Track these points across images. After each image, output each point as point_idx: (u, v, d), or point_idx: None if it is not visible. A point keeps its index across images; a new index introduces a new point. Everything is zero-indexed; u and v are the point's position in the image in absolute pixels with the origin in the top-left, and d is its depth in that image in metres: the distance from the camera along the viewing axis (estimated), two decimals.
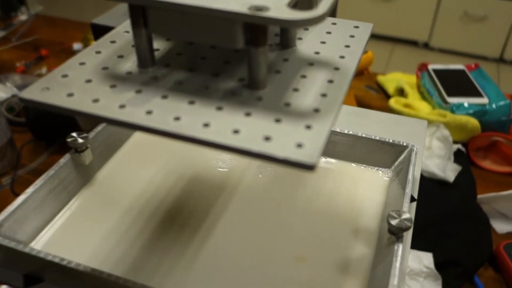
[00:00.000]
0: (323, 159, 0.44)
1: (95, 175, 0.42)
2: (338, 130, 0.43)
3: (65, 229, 0.37)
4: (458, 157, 0.68)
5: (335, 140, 0.43)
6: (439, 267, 0.52)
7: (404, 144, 0.41)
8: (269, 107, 0.24)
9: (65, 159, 0.39)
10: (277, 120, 0.23)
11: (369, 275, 0.33)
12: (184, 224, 0.37)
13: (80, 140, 0.39)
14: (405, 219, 0.32)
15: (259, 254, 0.35)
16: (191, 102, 0.24)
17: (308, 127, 0.22)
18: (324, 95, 0.25)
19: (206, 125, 0.22)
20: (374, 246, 0.35)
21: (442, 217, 0.58)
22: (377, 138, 0.42)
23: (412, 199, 0.39)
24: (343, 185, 0.41)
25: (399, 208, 0.35)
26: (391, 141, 0.42)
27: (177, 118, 0.23)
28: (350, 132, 0.42)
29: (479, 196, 0.62)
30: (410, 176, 0.38)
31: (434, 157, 0.66)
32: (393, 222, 0.32)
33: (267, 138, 0.21)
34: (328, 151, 0.44)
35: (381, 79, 0.87)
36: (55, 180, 0.37)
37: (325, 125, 0.22)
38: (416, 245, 0.54)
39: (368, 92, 0.85)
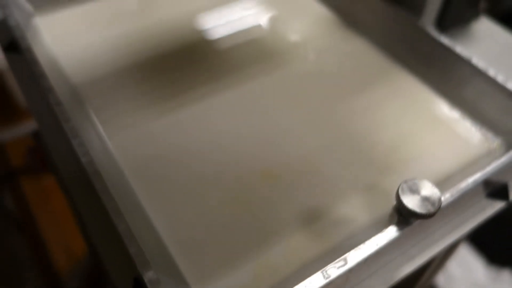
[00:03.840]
0: (399, 69, 0.29)
1: None
2: (457, 50, 0.27)
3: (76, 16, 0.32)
4: None
5: (444, 60, 0.28)
6: None
7: None
8: None
9: None
10: None
11: (337, 245, 0.21)
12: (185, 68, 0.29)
13: None
14: (427, 198, 0.19)
15: (224, 147, 0.25)
16: None
17: None
18: None
19: None
20: (379, 222, 0.23)
21: None
22: (508, 86, 0.26)
23: (503, 192, 0.24)
24: (410, 121, 0.27)
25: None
26: None
27: None
28: (473, 62, 0.27)
29: None
30: None
31: None
32: (405, 197, 0.19)
33: None
34: (419, 64, 0.29)
35: None
36: None
37: None
38: None
39: None
